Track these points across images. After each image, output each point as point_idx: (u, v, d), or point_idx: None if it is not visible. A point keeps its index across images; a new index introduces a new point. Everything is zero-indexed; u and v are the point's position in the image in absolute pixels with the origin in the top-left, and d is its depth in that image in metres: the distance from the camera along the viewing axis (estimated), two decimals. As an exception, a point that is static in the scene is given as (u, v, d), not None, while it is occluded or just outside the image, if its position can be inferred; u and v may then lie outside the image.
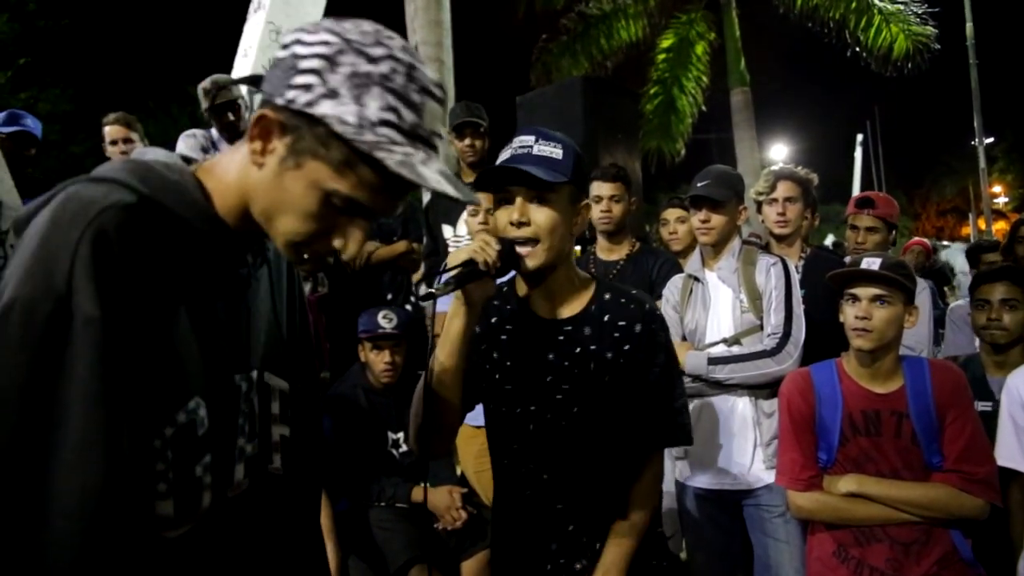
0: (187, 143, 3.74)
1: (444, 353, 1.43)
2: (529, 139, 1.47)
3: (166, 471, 0.85)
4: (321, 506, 1.28)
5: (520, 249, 1.44)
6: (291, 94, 0.85)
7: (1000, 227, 21.46)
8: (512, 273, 1.51)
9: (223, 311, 0.94)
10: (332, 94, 0.84)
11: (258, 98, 0.90)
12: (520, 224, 1.44)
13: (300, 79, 0.85)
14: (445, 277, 1.34)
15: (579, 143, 4.06)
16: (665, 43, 12.40)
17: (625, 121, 4.34)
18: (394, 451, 3.00)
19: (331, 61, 0.84)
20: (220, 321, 0.93)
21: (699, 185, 2.51)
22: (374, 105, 0.84)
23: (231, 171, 0.93)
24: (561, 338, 1.53)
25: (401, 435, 3.01)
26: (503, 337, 1.57)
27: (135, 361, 0.79)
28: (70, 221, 0.78)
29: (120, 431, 0.76)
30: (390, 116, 0.85)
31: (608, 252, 3.11)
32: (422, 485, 2.95)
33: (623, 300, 1.56)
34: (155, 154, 0.94)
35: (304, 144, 0.86)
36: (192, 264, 0.89)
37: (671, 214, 3.61)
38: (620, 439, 1.54)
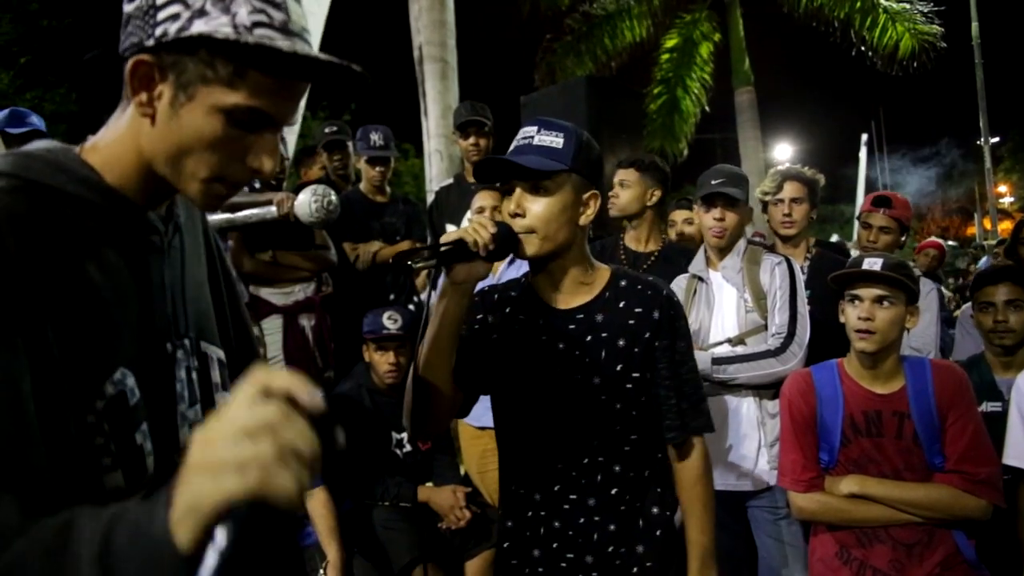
0: None
1: (430, 334, 1.43)
2: (532, 130, 1.48)
3: (107, 444, 0.86)
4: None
5: (521, 237, 1.44)
6: (159, 30, 0.85)
7: (1006, 227, 21.36)
8: (513, 261, 1.50)
9: (140, 280, 0.94)
10: (200, 13, 0.84)
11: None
12: (516, 215, 1.44)
13: (164, 12, 0.85)
14: (431, 252, 1.33)
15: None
16: (669, 43, 12.37)
17: (629, 121, 4.34)
18: (398, 451, 3.00)
19: None
20: (138, 290, 0.93)
21: (713, 183, 2.50)
22: (243, 12, 0.85)
23: (121, 139, 0.92)
24: (572, 327, 1.51)
25: (405, 435, 3.02)
26: (515, 327, 1.56)
27: (35, 345, 0.78)
28: None
29: (14, 427, 0.75)
30: (261, 18, 0.86)
31: (637, 243, 3.07)
32: (426, 485, 2.96)
33: (639, 287, 1.54)
34: (37, 144, 0.92)
35: (188, 74, 0.86)
36: (95, 239, 0.88)
37: (679, 215, 3.62)
38: (635, 429, 1.52)
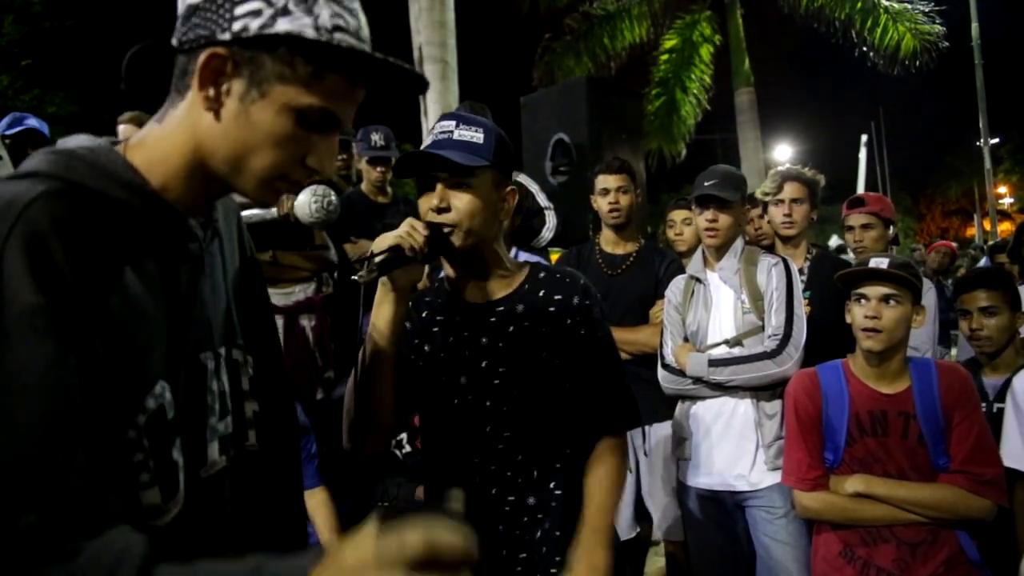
0: None
1: (372, 343, 1.40)
2: (450, 124, 1.46)
3: (146, 460, 0.83)
4: (302, 485, 1.24)
5: (445, 231, 1.43)
6: (238, 24, 0.83)
7: (1006, 228, 21.38)
8: (441, 273, 1.49)
9: (178, 289, 0.91)
10: (284, 11, 0.84)
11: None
12: (440, 210, 1.42)
13: (243, 7, 0.84)
14: (370, 264, 1.30)
15: (583, 143, 4.06)
16: (668, 44, 12.36)
17: (629, 121, 4.33)
18: (397, 452, 3.00)
19: None
20: (176, 300, 0.90)
21: (706, 184, 2.50)
22: (325, 14, 0.85)
23: (171, 135, 0.89)
24: (494, 319, 1.50)
25: (404, 436, 3.01)
26: (435, 329, 1.55)
27: (89, 351, 0.75)
28: None
29: (75, 424, 0.72)
30: (340, 22, 0.87)
31: (615, 246, 3.10)
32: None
33: (558, 275, 1.55)
34: (77, 140, 0.89)
35: (265, 71, 0.84)
36: (136, 245, 0.85)
37: (677, 215, 3.61)
38: (566, 419, 1.49)
